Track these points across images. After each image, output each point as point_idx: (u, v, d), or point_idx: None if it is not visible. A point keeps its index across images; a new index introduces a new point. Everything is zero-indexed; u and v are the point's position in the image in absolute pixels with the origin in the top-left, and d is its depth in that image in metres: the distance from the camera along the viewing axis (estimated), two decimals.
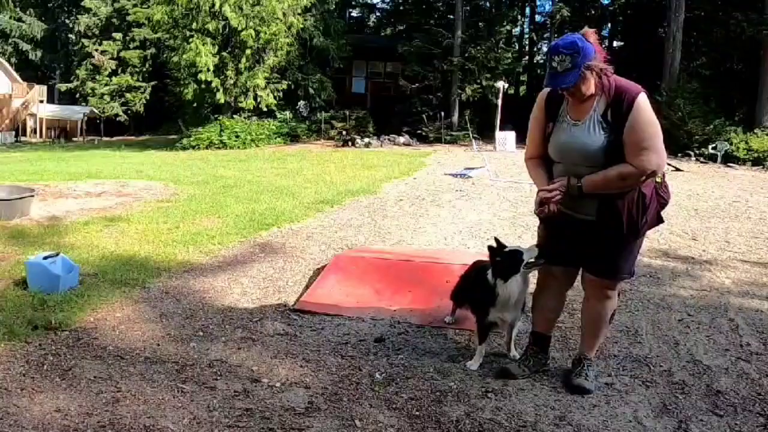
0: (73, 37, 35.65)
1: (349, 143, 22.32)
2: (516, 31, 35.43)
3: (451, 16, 25.57)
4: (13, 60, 37.47)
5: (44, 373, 2.95)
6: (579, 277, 3.05)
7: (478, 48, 24.19)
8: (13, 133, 34.68)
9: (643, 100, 2.60)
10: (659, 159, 2.59)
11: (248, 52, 21.98)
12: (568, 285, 3.11)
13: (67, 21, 38.63)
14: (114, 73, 32.61)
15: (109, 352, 3.21)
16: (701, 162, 17.57)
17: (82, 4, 33.52)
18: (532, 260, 2.98)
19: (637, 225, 2.74)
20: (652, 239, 6.04)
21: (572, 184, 2.72)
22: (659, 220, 2.82)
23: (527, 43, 36.02)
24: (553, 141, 2.82)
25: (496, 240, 3.13)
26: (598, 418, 2.70)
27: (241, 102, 22.55)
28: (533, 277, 3.17)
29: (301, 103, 26.29)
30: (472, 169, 12.66)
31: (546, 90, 2.85)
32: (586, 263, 2.95)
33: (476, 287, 3.20)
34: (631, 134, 2.59)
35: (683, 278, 4.96)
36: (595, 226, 2.78)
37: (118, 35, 32.35)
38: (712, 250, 5.97)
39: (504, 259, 3.01)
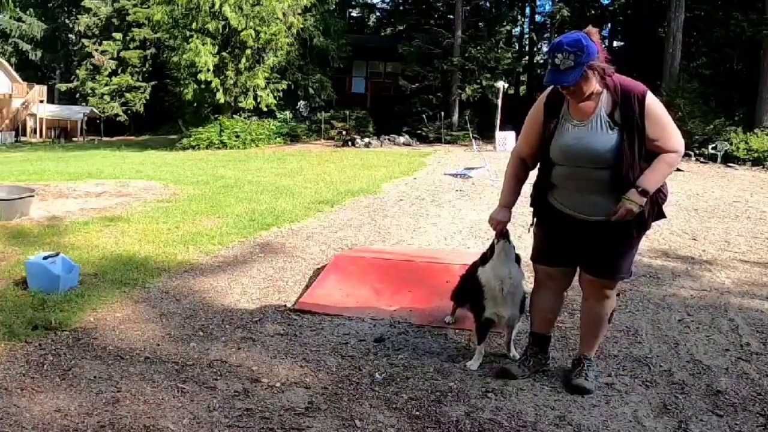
0: (73, 37, 35.68)
1: (349, 143, 22.32)
2: (516, 31, 35.49)
3: (451, 16, 25.57)
4: (13, 60, 37.50)
5: (44, 373, 2.95)
6: (577, 277, 3.05)
7: (478, 48, 24.19)
8: (13, 133, 34.73)
9: (651, 96, 2.66)
10: (681, 138, 2.72)
11: (248, 52, 21.99)
12: (567, 285, 3.11)
13: (67, 21, 38.67)
14: (114, 73, 32.64)
15: (109, 352, 3.21)
16: (701, 162, 17.58)
17: (82, 4, 33.55)
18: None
19: (648, 219, 2.76)
20: (652, 239, 6.04)
21: (635, 199, 2.62)
22: (661, 215, 2.83)
23: (527, 43, 36.03)
24: (556, 143, 2.76)
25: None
26: (598, 418, 2.70)
27: (241, 102, 22.56)
28: (531, 274, 3.16)
29: (301, 103, 26.31)
30: (472, 169, 12.66)
31: (548, 90, 2.83)
32: (585, 263, 2.94)
33: (471, 286, 3.24)
34: (655, 129, 2.64)
35: (683, 278, 4.96)
36: (603, 225, 2.74)
37: (118, 35, 32.37)
38: (712, 250, 5.96)
39: (487, 251, 3.19)
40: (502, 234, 3.04)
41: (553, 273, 3.01)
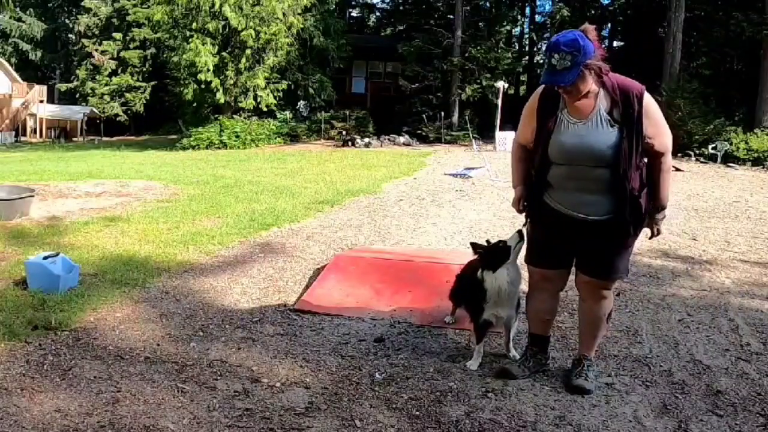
0: (73, 37, 35.67)
1: (349, 143, 22.33)
2: (516, 31, 35.52)
3: (451, 16, 25.59)
4: (13, 60, 37.47)
5: (44, 373, 2.95)
6: (574, 278, 3.04)
7: (478, 48, 24.22)
8: (13, 133, 34.71)
9: (648, 94, 2.68)
10: (671, 136, 2.79)
11: (248, 52, 22.00)
12: (562, 287, 3.08)
13: (67, 21, 38.67)
14: (114, 73, 32.60)
15: (109, 352, 3.21)
16: (701, 162, 17.58)
17: (82, 4, 33.54)
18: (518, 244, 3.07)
19: (644, 217, 2.78)
20: (652, 239, 6.04)
21: (660, 217, 2.85)
22: None
23: (527, 43, 36.05)
24: (555, 141, 2.72)
25: (487, 242, 3.19)
26: (598, 418, 2.70)
27: (241, 102, 22.58)
28: (525, 273, 3.16)
29: (301, 103, 26.32)
30: (472, 169, 12.66)
31: (541, 88, 2.80)
32: (581, 264, 2.92)
33: (470, 286, 3.23)
34: (651, 128, 2.68)
35: (683, 278, 4.96)
36: (600, 225, 2.74)
37: (118, 35, 32.34)
38: (712, 250, 5.96)
39: (490, 251, 3.10)
40: (520, 235, 3.04)
41: (549, 275, 2.99)
